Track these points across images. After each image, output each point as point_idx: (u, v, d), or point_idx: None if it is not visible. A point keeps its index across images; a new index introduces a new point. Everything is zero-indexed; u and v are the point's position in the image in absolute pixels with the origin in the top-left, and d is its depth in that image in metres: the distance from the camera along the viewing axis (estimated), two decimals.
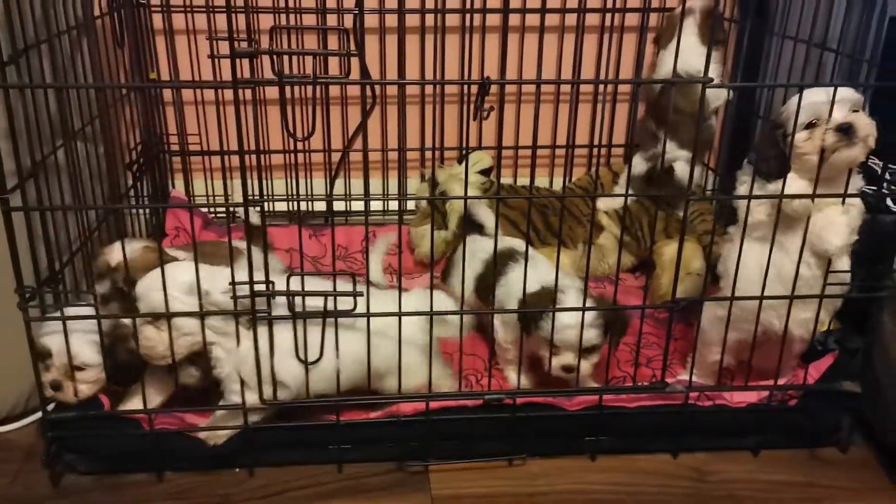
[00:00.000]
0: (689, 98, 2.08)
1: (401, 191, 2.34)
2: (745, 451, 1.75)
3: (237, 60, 1.31)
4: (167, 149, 2.49)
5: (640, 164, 2.36)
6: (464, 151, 2.57)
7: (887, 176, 1.68)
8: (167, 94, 2.45)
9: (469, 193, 2.32)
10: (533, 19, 2.46)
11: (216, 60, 1.41)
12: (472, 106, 1.41)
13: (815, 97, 1.51)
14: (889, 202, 1.94)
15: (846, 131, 1.49)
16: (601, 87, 2.60)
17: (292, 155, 2.41)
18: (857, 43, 1.76)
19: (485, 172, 2.57)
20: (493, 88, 1.39)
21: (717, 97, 2.24)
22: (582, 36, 2.46)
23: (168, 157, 2.51)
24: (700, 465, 1.71)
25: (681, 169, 2.22)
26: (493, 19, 2.44)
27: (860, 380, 1.72)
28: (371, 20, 2.38)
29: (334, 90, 2.46)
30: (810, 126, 1.53)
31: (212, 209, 2.57)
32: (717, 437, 1.74)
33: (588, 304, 1.61)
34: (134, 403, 1.67)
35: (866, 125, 1.50)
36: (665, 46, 2.30)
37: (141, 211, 2.19)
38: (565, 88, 2.60)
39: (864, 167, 2.04)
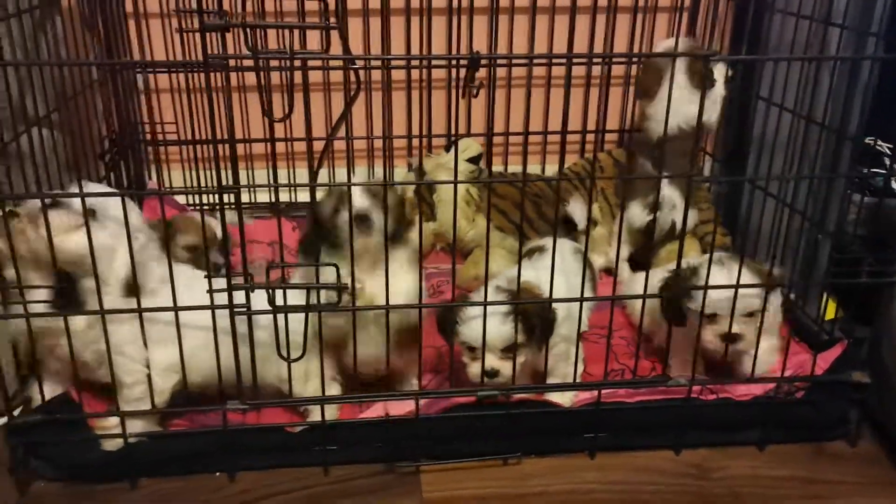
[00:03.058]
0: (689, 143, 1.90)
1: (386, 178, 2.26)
2: (749, 446, 1.68)
3: (208, 35, 1.22)
4: (142, 138, 2.39)
5: (639, 214, 2.18)
6: (451, 138, 2.49)
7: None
8: (141, 81, 2.35)
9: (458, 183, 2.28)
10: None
11: (188, 42, 1.31)
12: (460, 86, 1.32)
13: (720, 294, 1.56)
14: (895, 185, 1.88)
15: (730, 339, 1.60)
16: (594, 69, 2.51)
17: (274, 143, 2.33)
18: (862, 16, 1.68)
19: (474, 160, 2.48)
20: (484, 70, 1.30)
21: (712, 120, 2.07)
22: (574, 16, 2.37)
23: (144, 146, 2.41)
24: (702, 462, 1.64)
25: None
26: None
27: (868, 370, 1.65)
28: (354, 1, 2.30)
29: (316, 76, 2.37)
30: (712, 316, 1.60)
31: (189, 200, 2.48)
32: (721, 432, 1.67)
33: (500, 298, 1.51)
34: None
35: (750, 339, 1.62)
36: (654, 97, 2.09)
37: None
38: (557, 73, 2.51)
39: (873, 150, 1.98)
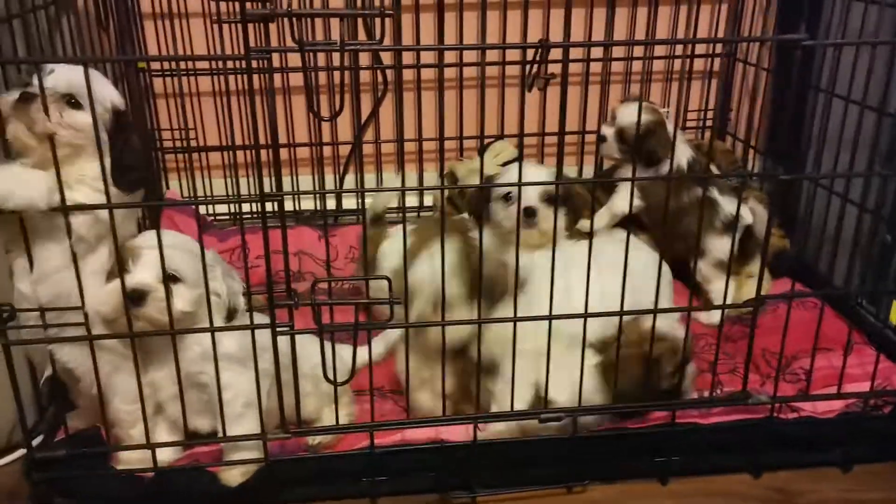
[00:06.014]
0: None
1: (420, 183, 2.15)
2: (832, 467, 1.55)
3: (250, 25, 1.09)
4: (160, 145, 2.26)
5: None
6: (485, 141, 2.38)
7: None
8: (158, 84, 2.22)
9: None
10: None
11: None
12: (527, 75, 1.21)
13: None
14: None
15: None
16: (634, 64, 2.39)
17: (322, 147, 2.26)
18: None
19: (508, 165, 2.36)
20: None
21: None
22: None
23: (162, 154, 2.28)
24: (784, 486, 1.52)
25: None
26: None
27: None
28: None
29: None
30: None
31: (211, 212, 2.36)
32: (803, 453, 1.55)
33: None
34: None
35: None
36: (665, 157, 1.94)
37: None
38: (595, 69, 2.39)
39: None
